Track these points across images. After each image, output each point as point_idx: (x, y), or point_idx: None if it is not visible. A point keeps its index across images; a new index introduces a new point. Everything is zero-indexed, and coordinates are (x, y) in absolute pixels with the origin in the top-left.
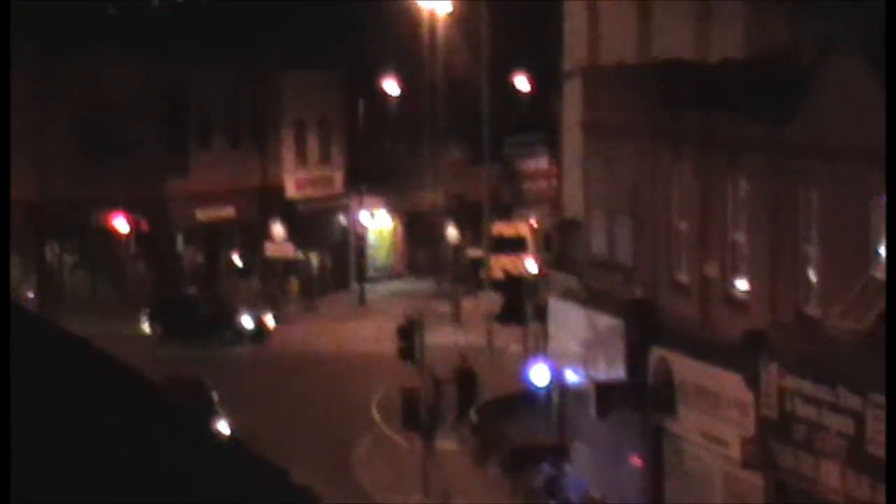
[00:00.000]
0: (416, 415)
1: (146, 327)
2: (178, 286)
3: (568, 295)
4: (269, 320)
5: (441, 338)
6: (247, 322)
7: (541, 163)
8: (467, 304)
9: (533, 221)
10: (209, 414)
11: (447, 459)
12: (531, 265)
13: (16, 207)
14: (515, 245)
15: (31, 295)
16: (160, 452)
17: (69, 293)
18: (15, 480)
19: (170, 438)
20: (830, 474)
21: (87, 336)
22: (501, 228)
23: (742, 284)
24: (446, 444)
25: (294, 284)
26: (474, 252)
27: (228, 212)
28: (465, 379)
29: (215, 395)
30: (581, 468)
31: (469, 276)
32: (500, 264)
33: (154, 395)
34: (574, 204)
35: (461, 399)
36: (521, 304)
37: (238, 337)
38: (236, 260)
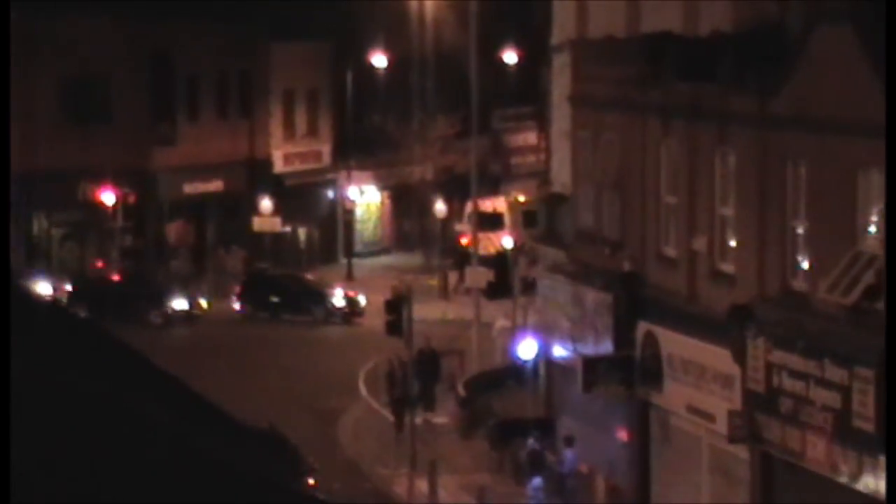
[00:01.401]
0: (402, 389)
1: (235, 305)
2: (165, 259)
3: (555, 269)
4: (361, 298)
5: (429, 312)
6: (339, 300)
7: (529, 137)
8: (455, 278)
9: (520, 196)
10: (296, 479)
11: (437, 433)
12: (508, 241)
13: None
14: (492, 221)
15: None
16: (146, 417)
17: (57, 266)
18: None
19: (154, 401)
20: (816, 448)
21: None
22: (477, 205)
23: (729, 259)
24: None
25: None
26: (461, 226)
27: (216, 185)
28: (427, 362)
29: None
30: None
31: (457, 250)
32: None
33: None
34: (562, 178)
35: (421, 382)
36: (508, 279)
37: (330, 315)
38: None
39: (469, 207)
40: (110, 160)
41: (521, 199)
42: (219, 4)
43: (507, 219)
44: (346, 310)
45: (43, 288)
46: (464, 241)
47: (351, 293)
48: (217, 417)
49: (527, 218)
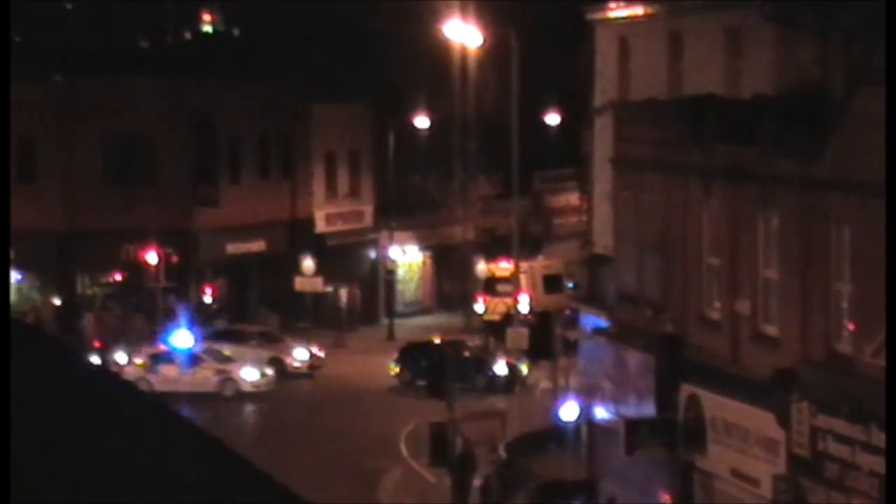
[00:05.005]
0: (443, 451)
1: (395, 370)
2: (208, 319)
3: (598, 330)
4: (523, 367)
5: None
6: (501, 368)
7: (571, 198)
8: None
9: (542, 261)
10: None
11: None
12: (524, 305)
13: (45, 238)
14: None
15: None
16: (147, 456)
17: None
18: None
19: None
20: None
21: None
22: (493, 269)
23: (773, 321)
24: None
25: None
26: (504, 287)
27: (259, 245)
28: (463, 461)
29: None
30: None
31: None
32: (494, 305)
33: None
34: (604, 239)
35: (456, 482)
36: (550, 340)
37: (492, 384)
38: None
39: (484, 270)
40: (153, 221)
41: (544, 263)
42: (261, 67)
43: (523, 282)
44: (508, 378)
45: (299, 354)
46: (477, 306)
47: (511, 360)
48: (259, 481)
49: (547, 282)
